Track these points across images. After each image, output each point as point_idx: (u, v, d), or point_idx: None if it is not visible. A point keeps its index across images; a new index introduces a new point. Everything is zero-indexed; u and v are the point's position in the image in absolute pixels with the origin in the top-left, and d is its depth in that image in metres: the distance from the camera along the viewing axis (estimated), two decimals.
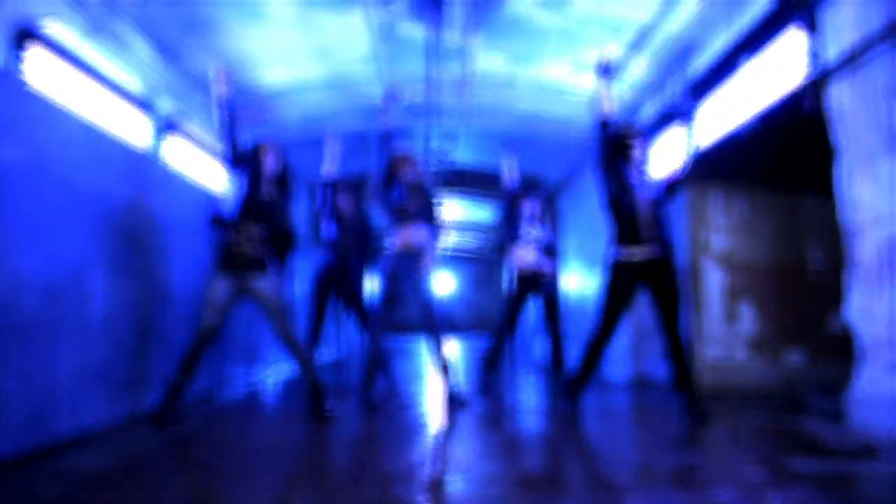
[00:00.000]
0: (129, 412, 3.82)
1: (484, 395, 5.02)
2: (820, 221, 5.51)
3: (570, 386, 3.90)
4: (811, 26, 3.56)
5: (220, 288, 3.81)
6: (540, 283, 5.49)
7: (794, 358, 5.35)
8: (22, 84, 2.96)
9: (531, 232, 5.47)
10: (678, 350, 3.71)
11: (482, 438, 3.42)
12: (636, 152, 3.83)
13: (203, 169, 5.96)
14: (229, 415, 4.27)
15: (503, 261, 11.92)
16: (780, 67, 3.93)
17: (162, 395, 3.81)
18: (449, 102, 6.67)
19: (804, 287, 5.47)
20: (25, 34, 3.37)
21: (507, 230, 5.52)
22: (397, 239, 4.45)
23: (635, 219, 3.73)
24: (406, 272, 4.40)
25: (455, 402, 4.26)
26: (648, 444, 3.24)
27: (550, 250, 5.47)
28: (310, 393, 3.94)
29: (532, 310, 8.56)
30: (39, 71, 3.55)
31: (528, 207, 5.57)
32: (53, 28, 3.44)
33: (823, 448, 2.98)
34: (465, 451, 3.04)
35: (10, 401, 2.77)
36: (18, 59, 3.37)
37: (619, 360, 6.85)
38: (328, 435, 3.43)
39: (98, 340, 3.50)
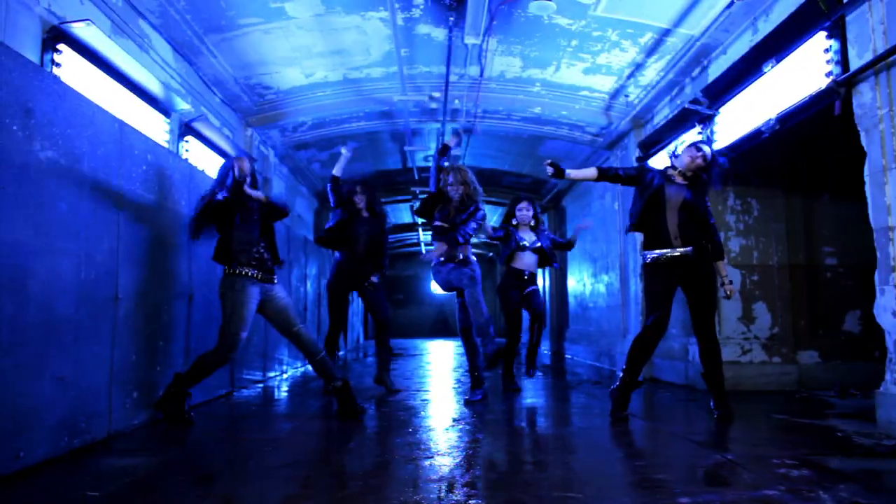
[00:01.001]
0: (152, 414, 3.81)
1: (506, 396, 5.03)
2: (834, 222, 5.56)
3: (619, 389, 3.90)
4: (836, 31, 3.60)
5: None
6: (530, 285, 5.48)
7: (808, 357, 5.39)
8: (58, 81, 2.94)
9: (525, 237, 5.49)
10: (710, 349, 3.73)
11: (532, 436, 3.44)
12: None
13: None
14: (253, 413, 4.26)
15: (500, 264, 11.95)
16: (802, 71, 3.97)
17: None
18: (463, 103, 6.68)
19: (818, 288, 5.51)
20: (57, 34, 3.36)
21: (504, 235, 5.56)
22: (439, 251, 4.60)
23: (663, 221, 3.75)
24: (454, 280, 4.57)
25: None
26: (683, 442, 3.26)
27: (544, 254, 5.48)
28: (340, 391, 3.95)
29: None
30: (68, 70, 3.54)
31: (523, 213, 5.55)
32: (82, 29, 3.42)
33: (858, 447, 3.01)
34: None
35: (47, 403, 2.76)
36: (51, 58, 3.35)
37: None
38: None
39: (125, 341, 3.49)
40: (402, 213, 13.10)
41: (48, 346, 2.78)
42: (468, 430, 3.55)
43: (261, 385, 5.85)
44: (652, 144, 6.32)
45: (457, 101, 6.68)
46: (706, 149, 3.83)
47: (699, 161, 3.78)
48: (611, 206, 7.84)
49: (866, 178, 3.38)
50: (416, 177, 9.55)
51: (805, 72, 3.92)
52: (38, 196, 2.76)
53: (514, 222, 5.52)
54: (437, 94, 6.50)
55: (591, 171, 3.95)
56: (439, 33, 5.39)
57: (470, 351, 4.66)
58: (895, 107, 3.18)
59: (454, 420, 3.87)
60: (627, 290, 7.17)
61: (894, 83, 3.19)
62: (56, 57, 3.40)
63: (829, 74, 3.66)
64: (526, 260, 5.42)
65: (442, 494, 2.23)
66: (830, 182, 5.59)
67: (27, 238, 2.67)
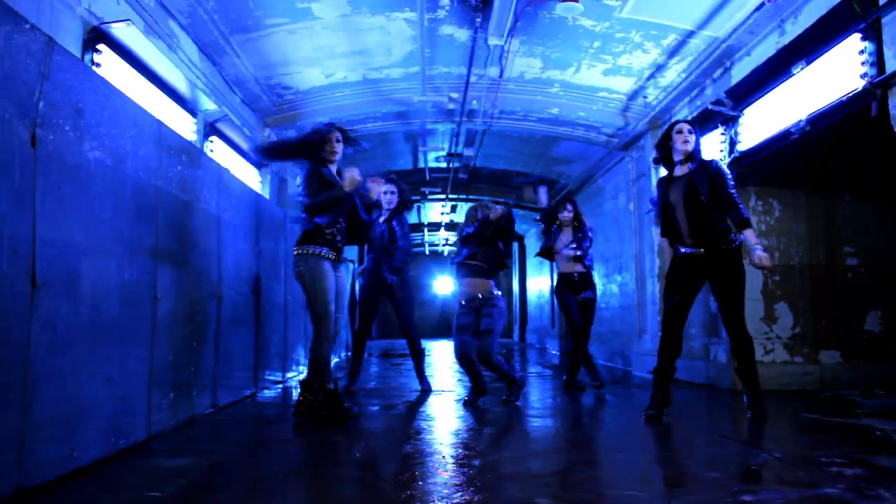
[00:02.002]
0: (189, 414, 3.81)
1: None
2: (855, 222, 5.60)
3: (654, 385, 3.93)
4: (871, 33, 3.63)
5: None
6: (584, 290, 5.55)
7: (829, 357, 5.42)
8: (105, 81, 2.94)
9: (565, 241, 5.58)
10: (740, 346, 3.75)
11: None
12: (682, 136, 3.83)
13: (238, 170, 5.94)
14: (281, 414, 4.26)
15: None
16: (835, 72, 4.00)
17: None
18: (481, 104, 6.69)
19: (839, 288, 5.55)
20: (97, 34, 3.35)
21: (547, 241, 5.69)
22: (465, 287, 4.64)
23: (675, 221, 3.81)
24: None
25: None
26: (724, 441, 3.28)
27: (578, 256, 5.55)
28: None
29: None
30: (107, 70, 3.53)
31: (564, 216, 5.66)
32: (121, 29, 3.42)
33: None
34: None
35: (97, 404, 2.75)
36: (91, 58, 3.35)
37: (646, 359, 6.91)
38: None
39: (164, 342, 3.48)
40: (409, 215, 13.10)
41: (97, 347, 2.78)
42: (498, 430, 3.56)
43: (281, 385, 5.84)
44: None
45: (475, 102, 6.69)
46: (685, 125, 3.87)
47: (686, 133, 3.81)
48: (625, 206, 7.86)
49: None
50: (428, 177, 9.56)
51: (838, 73, 3.95)
52: (88, 196, 2.75)
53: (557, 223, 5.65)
54: (455, 95, 6.51)
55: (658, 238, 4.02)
56: (462, 34, 5.40)
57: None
58: None
59: (484, 421, 3.88)
60: (644, 290, 7.20)
61: None
62: (96, 57, 3.39)
63: (864, 76, 3.69)
64: (568, 263, 5.48)
65: (513, 493, 2.24)
66: (852, 182, 5.63)
67: (79, 238, 2.66)
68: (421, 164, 9.24)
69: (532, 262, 14.57)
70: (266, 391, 5.37)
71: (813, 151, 5.10)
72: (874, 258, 5.56)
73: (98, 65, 3.42)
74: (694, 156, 3.82)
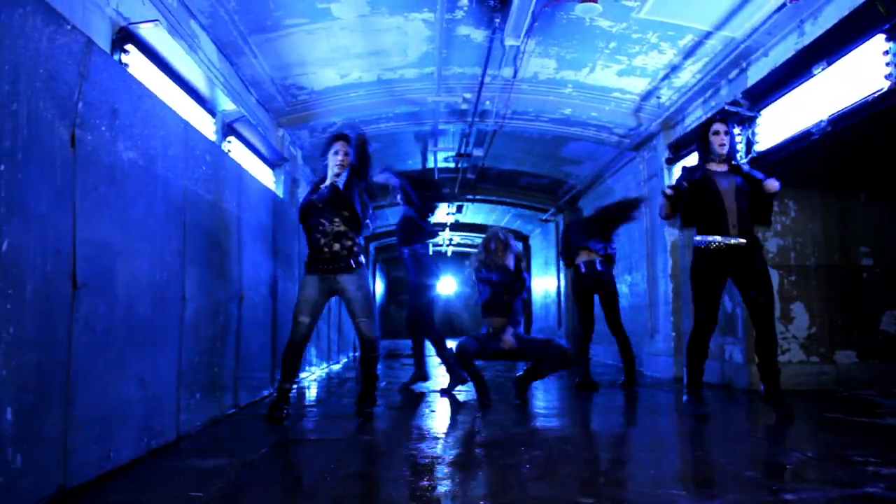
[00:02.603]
0: (213, 414, 3.81)
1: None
2: (870, 223, 5.61)
3: (688, 386, 3.97)
4: (895, 34, 3.64)
5: None
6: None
7: (845, 357, 5.44)
8: (137, 82, 2.94)
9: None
10: (769, 345, 3.77)
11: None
12: (718, 139, 3.95)
13: (254, 170, 5.94)
14: (302, 413, 4.26)
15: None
16: (858, 73, 4.01)
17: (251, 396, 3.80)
18: (493, 105, 6.70)
19: (854, 288, 5.56)
20: (125, 35, 3.35)
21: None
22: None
23: (718, 208, 3.82)
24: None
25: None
26: (754, 440, 3.29)
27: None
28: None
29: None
30: (134, 71, 3.53)
31: None
32: (148, 30, 3.42)
33: None
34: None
35: (131, 404, 2.76)
36: (119, 58, 3.35)
37: (658, 359, 6.92)
38: None
39: (190, 342, 3.49)
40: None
41: (130, 347, 2.77)
42: (524, 431, 3.56)
43: (295, 386, 5.84)
44: (683, 146, 6.36)
45: (487, 103, 6.70)
46: (721, 127, 3.98)
47: (722, 135, 3.95)
48: None
49: None
50: (437, 177, 9.56)
51: (861, 74, 3.96)
52: (122, 197, 2.75)
53: None
54: (469, 96, 6.52)
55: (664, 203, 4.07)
56: (478, 35, 5.40)
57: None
58: None
59: (508, 422, 3.89)
60: (656, 290, 7.21)
61: None
62: (124, 58, 3.39)
63: (888, 77, 3.70)
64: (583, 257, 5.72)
65: (556, 493, 2.25)
66: (868, 183, 5.64)
67: (114, 239, 2.66)
68: (430, 165, 9.23)
69: (537, 261, 14.57)
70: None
71: (830, 151, 5.10)
72: (889, 258, 5.58)
73: (126, 65, 3.42)
74: (731, 155, 3.94)
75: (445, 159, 9.15)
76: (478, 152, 8.56)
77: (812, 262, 5.51)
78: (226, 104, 4.96)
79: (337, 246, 3.91)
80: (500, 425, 3.74)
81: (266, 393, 4.99)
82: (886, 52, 3.73)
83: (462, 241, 17.02)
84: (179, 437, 3.24)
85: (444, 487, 2.36)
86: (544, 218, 12.08)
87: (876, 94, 3.76)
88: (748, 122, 5.21)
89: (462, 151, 8.53)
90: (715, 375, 5.81)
